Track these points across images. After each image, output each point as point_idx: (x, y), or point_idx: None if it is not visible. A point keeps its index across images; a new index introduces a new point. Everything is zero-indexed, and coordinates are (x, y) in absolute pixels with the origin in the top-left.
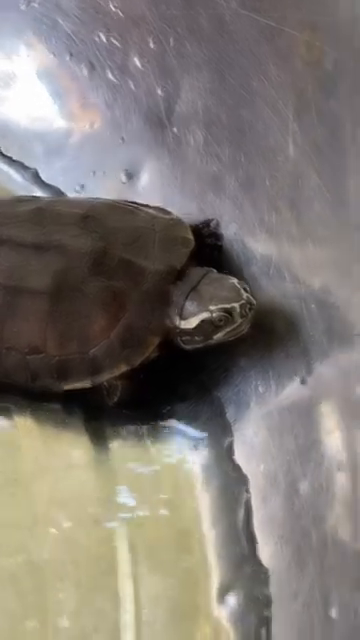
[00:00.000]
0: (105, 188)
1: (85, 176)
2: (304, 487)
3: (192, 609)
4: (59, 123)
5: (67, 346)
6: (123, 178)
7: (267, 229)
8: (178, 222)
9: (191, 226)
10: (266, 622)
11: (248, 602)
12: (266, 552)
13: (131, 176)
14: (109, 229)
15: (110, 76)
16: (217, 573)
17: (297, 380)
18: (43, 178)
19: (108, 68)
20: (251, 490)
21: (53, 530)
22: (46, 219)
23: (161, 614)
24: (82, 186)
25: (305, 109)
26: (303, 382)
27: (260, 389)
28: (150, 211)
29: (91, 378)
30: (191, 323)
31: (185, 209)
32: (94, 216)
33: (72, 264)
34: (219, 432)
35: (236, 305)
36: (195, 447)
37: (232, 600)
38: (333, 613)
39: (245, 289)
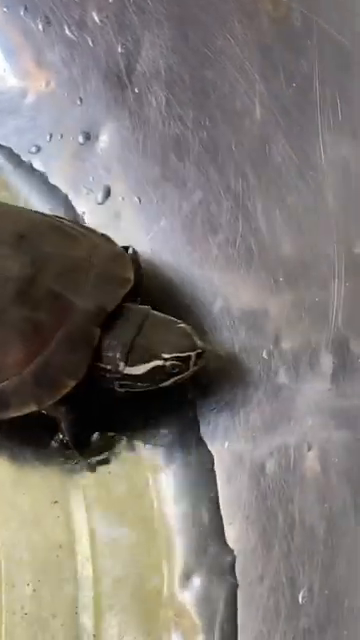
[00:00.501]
0: (62, 151)
1: (41, 138)
2: (271, 466)
3: (154, 592)
4: (12, 82)
5: None
6: (81, 140)
7: (234, 196)
8: (120, 256)
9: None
10: (231, 606)
11: (213, 585)
12: (232, 533)
13: (89, 137)
14: (43, 255)
15: (67, 32)
16: (181, 555)
17: (264, 353)
18: None
19: (65, 23)
20: (216, 469)
21: (8, 509)
22: None
23: (122, 598)
24: (38, 148)
25: (272, 69)
26: (270, 355)
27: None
28: (94, 238)
29: None
30: (139, 370)
31: (147, 173)
32: (30, 237)
33: None
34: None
35: (192, 354)
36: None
37: (196, 583)
38: (300, 597)
39: (194, 334)
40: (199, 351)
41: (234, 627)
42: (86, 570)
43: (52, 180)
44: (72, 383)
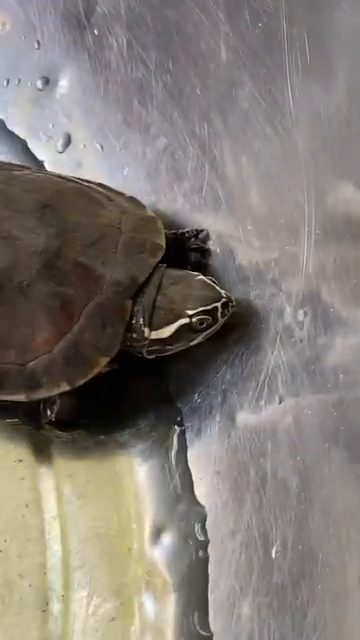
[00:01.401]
0: (20, 96)
1: None
2: (241, 419)
3: (124, 550)
4: None
5: (3, 354)
6: (39, 85)
7: (199, 143)
8: (150, 221)
9: (173, 233)
10: (203, 563)
11: (183, 542)
12: (202, 489)
13: (48, 83)
14: (69, 225)
15: None
16: (150, 512)
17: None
18: None
19: None
20: (185, 423)
21: None
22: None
23: (91, 556)
24: None
25: (237, 8)
26: (239, 306)
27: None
28: (121, 202)
29: (26, 393)
30: (165, 332)
31: (109, 119)
32: (54, 206)
33: (19, 262)
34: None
35: (218, 305)
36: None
37: (166, 540)
38: (273, 552)
39: (216, 283)
40: (224, 300)
41: (205, 584)
42: (53, 529)
43: (10, 127)
44: (105, 360)
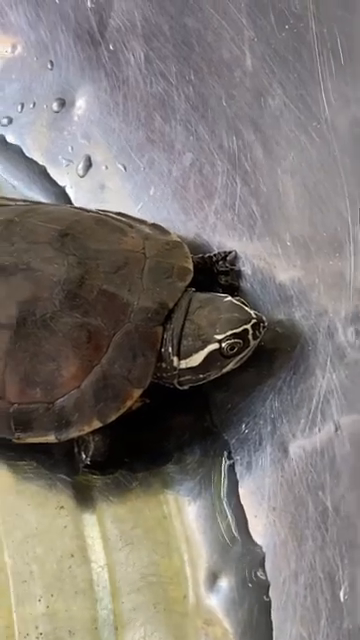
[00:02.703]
0: (36, 121)
1: (11, 108)
2: (295, 449)
3: (179, 599)
4: None
5: (29, 393)
6: (55, 107)
7: (228, 157)
8: (176, 246)
9: (200, 257)
10: (265, 608)
11: (242, 586)
12: (258, 527)
13: (64, 104)
14: (90, 252)
15: None
16: (204, 555)
17: (276, 327)
18: None
19: None
20: (233, 456)
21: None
22: (16, 235)
23: (143, 607)
24: (9, 120)
25: (261, 11)
26: (283, 329)
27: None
28: (144, 229)
29: (56, 434)
30: (195, 360)
31: (130, 138)
32: (74, 235)
33: (41, 294)
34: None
35: (248, 327)
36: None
37: (224, 585)
38: (341, 595)
39: (245, 304)
40: (255, 321)
41: (269, 632)
42: (102, 580)
43: (28, 153)
44: (138, 392)
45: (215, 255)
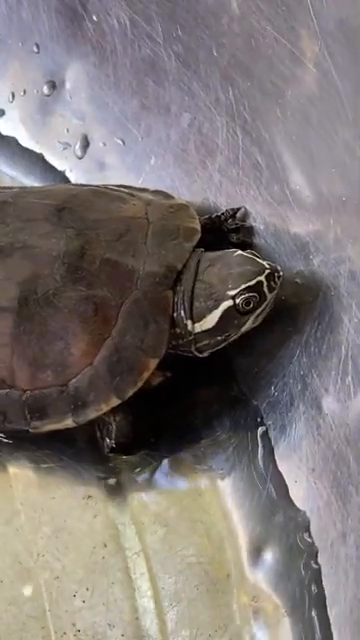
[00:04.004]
0: (28, 108)
1: (2, 100)
2: (328, 404)
3: (222, 578)
4: None
5: (40, 378)
6: (46, 90)
7: (226, 109)
8: (180, 208)
9: (207, 218)
10: (315, 576)
11: (288, 556)
12: (298, 492)
13: (55, 86)
14: (89, 223)
15: None
16: (244, 529)
17: (296, 278)
18: None
19: None
20: (265, 421)
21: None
22: (10, 215)
23: (186, 590)
24: (2, 112)
25: None
26: (302, 278)
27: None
28: (146, 195)
29: (73, 417)
30: (210, 321)
31: (125, 109)
32: (71, 208)
33: (41, 271)
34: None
35: (262, 278)
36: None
37: (268, 558)
38: None
39: (257, 256)
40: (268, 271)
41: (322, 601)
42: (139, 567)
43: (24, 143)
44: (154, 362)
45: (223, 213)
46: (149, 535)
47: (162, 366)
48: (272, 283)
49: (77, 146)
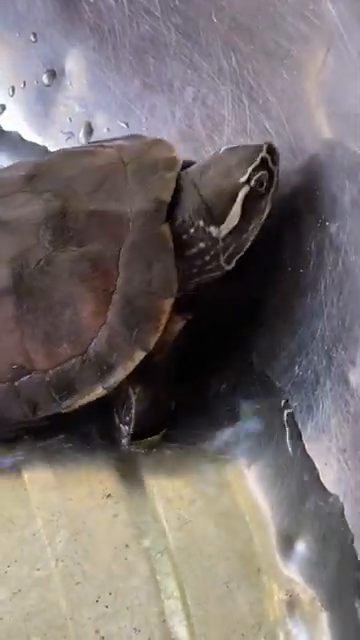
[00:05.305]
0: (29, 100)
1: (3, 94)
2: (357, 378)
3: (252, 572)
4: None
5: (57, 353)
6: (46, 80)
7: (230, 77)
8: (155, 143)
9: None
10: (352, 562)
11: (322, 545)
12: (330, 475)
13: (54, 75)
14: (63, 182)
15: None
16: (274, 519)
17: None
18: None
19: None
20: (291, 403)
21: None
22: None
23: (214, 588)
24: (3, 107)
25: None
26: (321, 243)
27: None
28: (116, 143)
29: (102, 384)
30: (234, 217)
31: (127, 90)
32: (41, 173)
33: (27, 242)
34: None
35: (263, 154)
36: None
37: (301, 549)
38: None
39: (243, 142)
40: (266, 146)
41: None
42: (163, 567)
43: (27, 137)
44: (169, 302)
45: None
46: (173, 532)
47: (180, 309)
48: (274, 156)
49: (81, 134)
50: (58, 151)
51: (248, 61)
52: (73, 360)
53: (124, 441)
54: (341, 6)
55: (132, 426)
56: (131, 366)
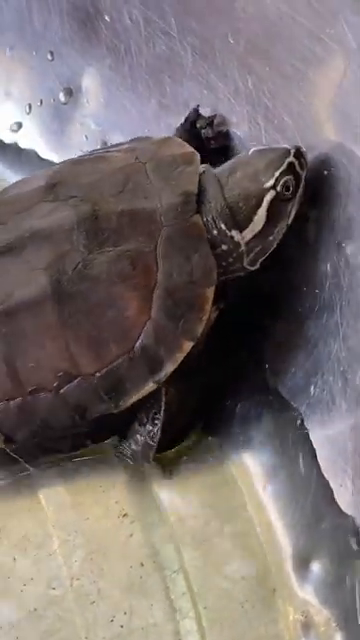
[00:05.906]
0: (46, 118)
1: (20, 112)
2: None
3: (267, 593)
4: None
5: (104, 354)
6: (62, 98)
7: (246, 98)
8: (165, 140)
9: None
10: None
11: (338, 566)
12: (345, 496)
13: (71, 93)
14: (86, 187)
15: None
16: (289, 540)
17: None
18: None
19: None
20: (306, 423)
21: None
22: (3, 214)
23: (230, 608)
24: (19, 125)
25: None
26: (337, 267)
27: None
28: (124, 147)
29: (152, 378)
30: (259, 222)
31: (143, 110)
32: (60, 182)
33: (62, 249)
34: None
35: (291, 159)
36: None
37: (316, 570)
38: None
39: (270, 144)
40: (293, 150)
41: None
42: (178, 586)
43: (43, 154)
44: (210, 290)
45: (199, 122)
46: (188, 552)
47: (214, 299)
48: (301, 160)
49: None
50: (65, 161)
51: (264, 82)
52: (120, 359)
53: (151, 453)
54: (357, 29)
55: (158, 429)
56: (180, 357)
